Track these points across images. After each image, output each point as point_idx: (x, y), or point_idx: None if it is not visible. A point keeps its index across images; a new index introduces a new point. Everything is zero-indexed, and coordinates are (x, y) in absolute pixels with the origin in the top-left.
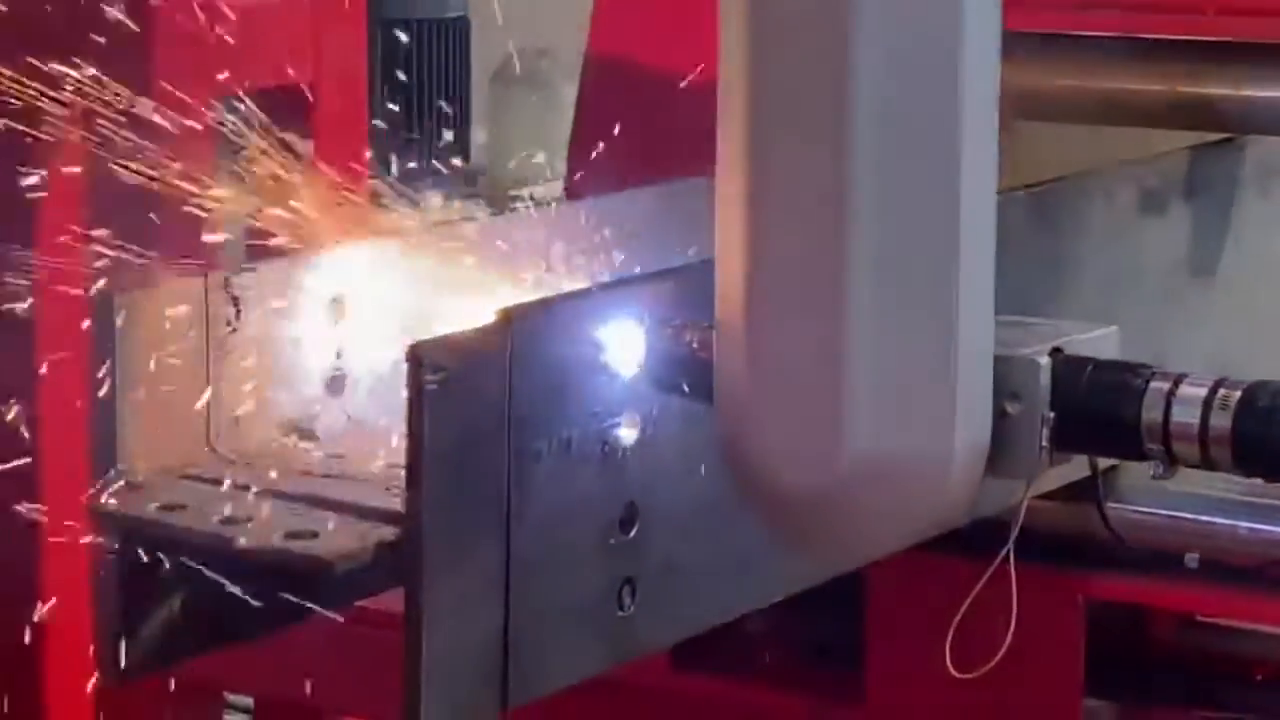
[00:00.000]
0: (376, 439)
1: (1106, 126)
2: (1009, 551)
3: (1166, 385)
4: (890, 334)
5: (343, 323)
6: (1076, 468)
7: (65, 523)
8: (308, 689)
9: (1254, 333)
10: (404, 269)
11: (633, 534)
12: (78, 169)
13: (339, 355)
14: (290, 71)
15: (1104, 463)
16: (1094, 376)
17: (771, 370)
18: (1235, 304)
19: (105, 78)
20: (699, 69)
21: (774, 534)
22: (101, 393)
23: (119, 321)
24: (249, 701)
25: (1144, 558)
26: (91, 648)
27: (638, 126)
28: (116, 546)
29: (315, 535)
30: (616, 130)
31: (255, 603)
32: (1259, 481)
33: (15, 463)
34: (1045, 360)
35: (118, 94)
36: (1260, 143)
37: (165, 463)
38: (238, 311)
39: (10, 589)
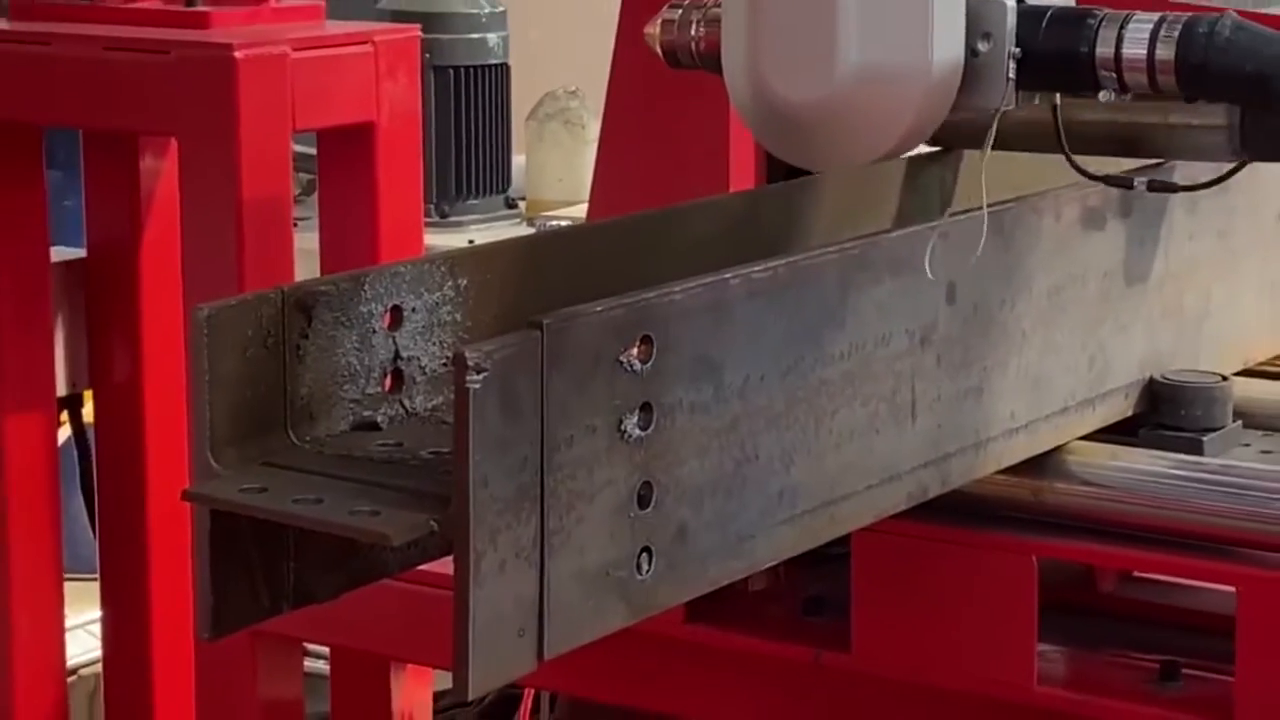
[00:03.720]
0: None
1: (1053, 153)
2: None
3: (1117, 24)
4: None
5: (400, 328)
6: (1037, 440)
7: (170, 505)
8: (376, 640)
9: (1181, 331)
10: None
11: (649, 509)
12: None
13: (398, 355)
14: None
15: None
16: (1053, 20)
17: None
18: (1165, 306)
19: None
20: (705, 108)
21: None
22: (196, 392)
23: (206, 330)
24: (325, 650)
25: (1091, 523)
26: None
27: (652, 157)
28: (208, 524)
29: (377, 513)
30: (634, 161)
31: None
32: (1191, 457)
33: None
34: (1012, 3)
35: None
36: (1186, 166)
37: (249, 452)
38: (309, 319)
39: (125, 563)
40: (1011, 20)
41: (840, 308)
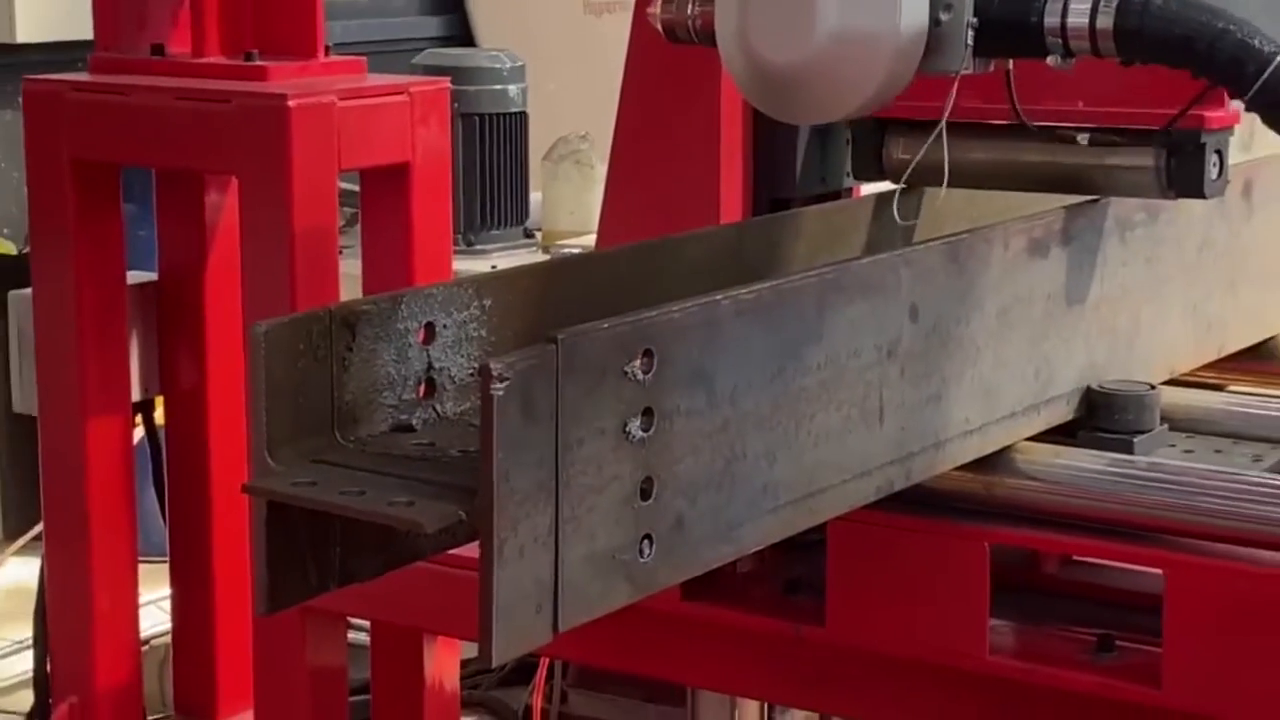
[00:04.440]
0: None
1: (1003, 191)
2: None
3: None
4: None
5: (433, 342)
6: (989, 441)
7: (231, 496)
8: (411, 615)
9: (1114, 348)
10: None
11: (650, 501)
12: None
13: (430, 367)
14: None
15: None
16: None
17: None
18: (1101, 326)
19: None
20: (699, 150)
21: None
22: (254, 398)
23: (263, 343)
24: (366, 623)
25: (1036, 514)
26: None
27: (652, 193)
28: (265, 514)
29: (413, 504)
30: (636, 196)
31: (367, 554)
32: (1123, 455)
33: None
34: None
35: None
36: (1119, 202)
37: (301, 450)
38: (354, 334)
39: (191, 547)
40: None
41: (817, 325)
